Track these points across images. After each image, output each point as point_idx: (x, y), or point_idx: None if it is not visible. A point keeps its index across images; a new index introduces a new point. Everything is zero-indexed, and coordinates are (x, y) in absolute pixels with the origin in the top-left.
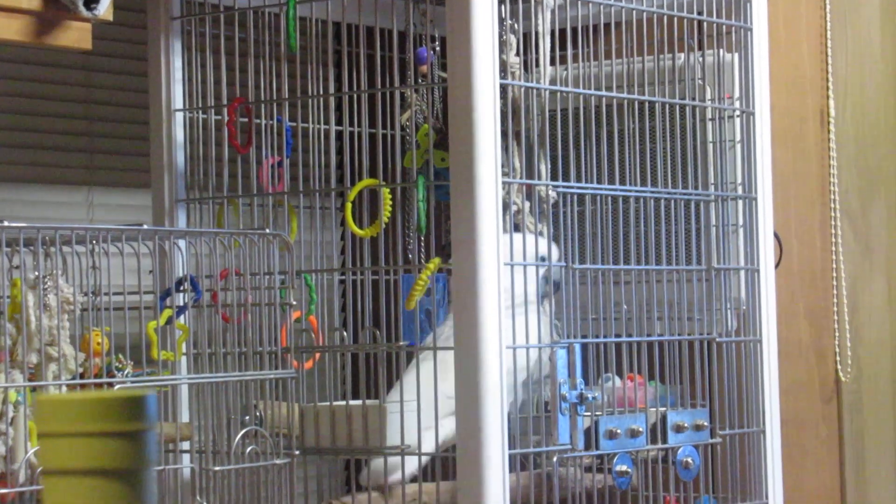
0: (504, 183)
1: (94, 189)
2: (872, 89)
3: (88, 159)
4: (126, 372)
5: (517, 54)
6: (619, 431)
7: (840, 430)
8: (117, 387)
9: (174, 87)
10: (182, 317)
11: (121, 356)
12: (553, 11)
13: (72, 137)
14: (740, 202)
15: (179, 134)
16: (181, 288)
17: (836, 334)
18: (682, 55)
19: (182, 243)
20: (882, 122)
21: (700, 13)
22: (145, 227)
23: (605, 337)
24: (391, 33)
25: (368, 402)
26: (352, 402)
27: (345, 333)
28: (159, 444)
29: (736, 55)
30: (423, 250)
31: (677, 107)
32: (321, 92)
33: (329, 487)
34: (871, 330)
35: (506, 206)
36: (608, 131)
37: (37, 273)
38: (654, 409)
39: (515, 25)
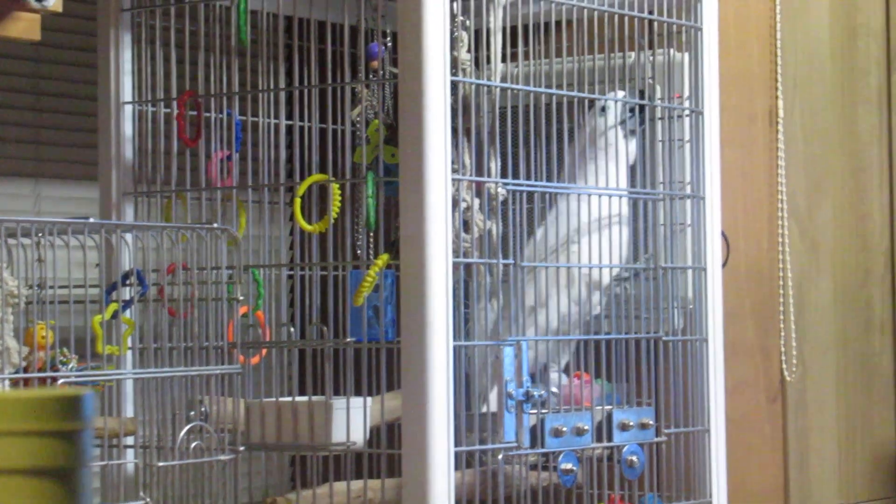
0: (454, 180)
1: (41, 181)
2: (821, 89)
3: (36, 151)
4: (70, 366)
5: (468, 51)
6: (564, 429)
7: (785, 428)
8: (61, 381)
9: (123, 79)
10: (128, 311)
11: (65, 350)
12: (505, 8)
13: (19, 129)
14: (688, 201)
15: (128, 127)
16: (127, 282)
17: (782, 333)
18: (633, 54)
19: (129, 237)
20: (830, 122)
21: (651, 12)
22: (92, 220)
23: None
24: (342, 28)
25: (314, 398)
26: (298, 399)
27: (292, 329)
28: (103, 439)
29: (686, 55)
30: (371, 246)
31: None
32: (271, 86)
33: (274, 484)
34: (816, 329)
35: (455, 203)
36: (559, 129)
37: None
38: (599, 408)
39: (467, 22)
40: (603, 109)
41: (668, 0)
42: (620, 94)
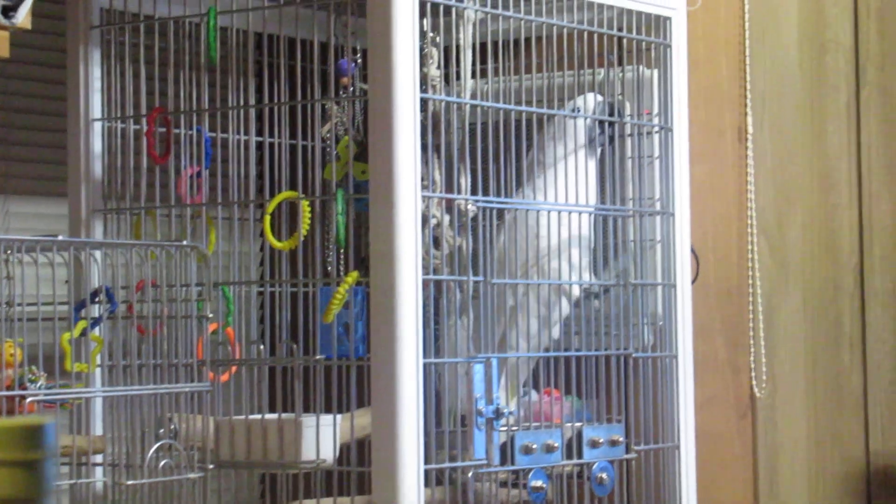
0: (424, 196)
1: (9, 198)
2: (790, 106)
3: (4, 167)
4: (39, 384)
5: (438, 67)
6: (534, 447)
7: (755, 445)
8: (29, 399)
9: (93, 96)
10: (97, 328)
11: (34, 368)
12: (475, 25)
13: None
14: (658, 217)
15: (97, 144)
16: (96, 299)
17: (752, 350)
18: (603, 70)
19: (98, 254)
20: (799, 138)
21: (620, 29)
22: (60, 238)
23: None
24: (312, 44)
25: (284, 415)
26: (267, 416)
27: (261, 346)
28: (72, 457)
29: (655, 71)
30: (342, 263)
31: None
32: (241, 102)
33: (243, 502)
34: (786, 345)
35: (425, 220)
36: (529, 145)
37: None
38: (569, 425)
39: (437, 38)
40: (577, 110)
41: (637, 17)
42: (593, 97)
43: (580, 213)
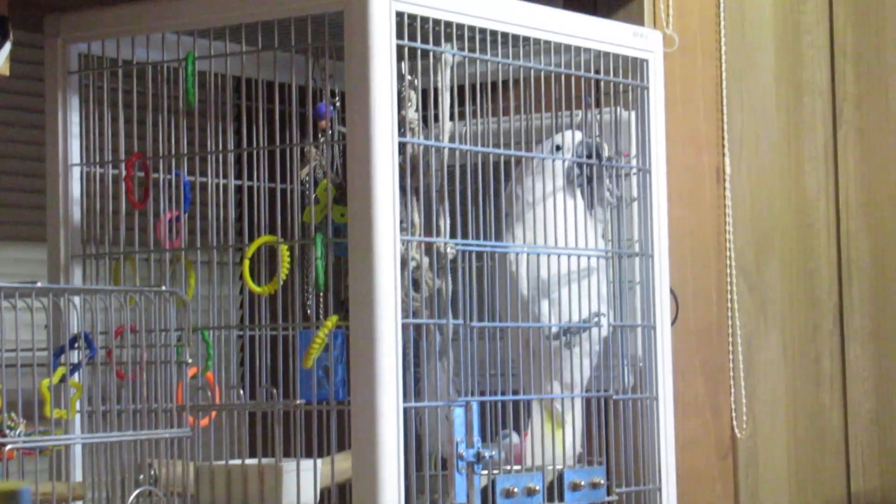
0: (403, 240)
1: None
2: (767, 147)
3: None
4: (18, 431)
5: (416, 110)
6: (515, 490)
7: (736, 486)
8: (9, 447)
9: (71, 141)
10: (76, 374)
11: (13, 414)
12: (453, 68)
13: None
14: (637, 259)
15: (76, 189)
16: (75, 345)
17: (732, 390)
18: (580, 113)
19: (77, 300)
20: (777, 179)
21: (598, 72)
22: (39, 284)
23: (503, 394)
24: (290, 88)
25: (264, 460)
26: (248, 461)
27: (241, 391)
28: None
29: (633, 113)
30: (321, 307)
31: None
32: (220, 146)
33: None
34: (766, 386)
35: (404, 262)
36: (507, 186)
37: None
38: (550, 467)
39: (415, 81)
40: (558, 148)
41: (615, 59)
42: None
43: (568, 255)
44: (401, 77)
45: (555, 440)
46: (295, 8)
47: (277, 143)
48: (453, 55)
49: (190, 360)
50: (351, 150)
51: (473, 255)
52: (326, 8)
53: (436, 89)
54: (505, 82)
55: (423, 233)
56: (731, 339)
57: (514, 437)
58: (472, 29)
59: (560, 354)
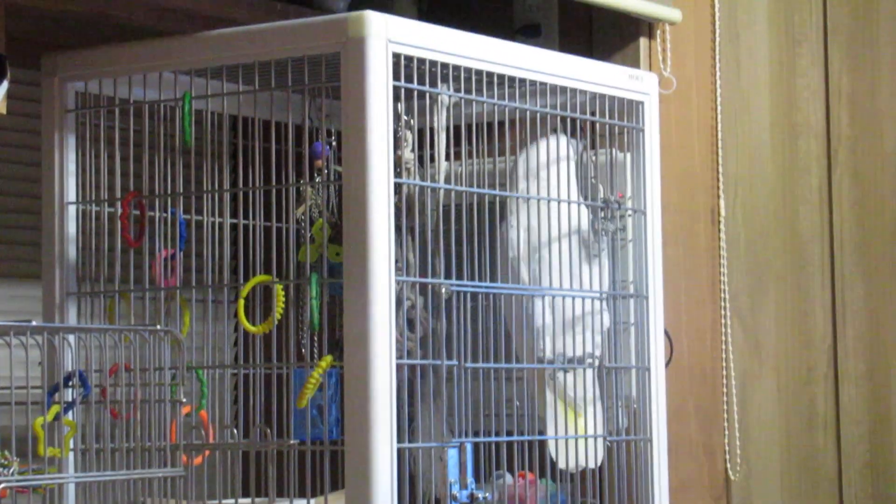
0: (397, 281)
1: None
2: (762, 189)
3: None
4: (12, 469)
5: (412, 150)
6: None
7: None
8: (2, 485)
9: (67, 179)
10: (70, 412)
11: (6, 453)
12: (449, 109)
13: None
14: (631, 300)
15: (72, 227)
16: (70, 383)
17: (726, 432)
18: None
19: (72, 338)
20: (772, 220)
21: (593, 113)
22: (34, 323)
23: (496, 435)
24: (287, 127)
25: (258, 500)
26: (241, 501)
27: (234, 431)
28: None
29: (628, 154)
30: (316, 346)
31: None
32: (216, 185)
33: None
34: (760, 428)
35: (399, 302)
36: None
37: None
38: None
39: (411, 122)
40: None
41: (610, 101)
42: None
43: (563, 297)
44: (397, 117)
45: (577, 429)
46: (292, 49)
47: (273, 181)
48: (449, 96)
49: (184, 399)
50: (346, 190)
51: (468, 296)
52: (324, 49)
53: (432, 129)
54: (500, 123)
55: (418, 273)
56: (725, 381)
57: (508, 479)
58: (468, 70)
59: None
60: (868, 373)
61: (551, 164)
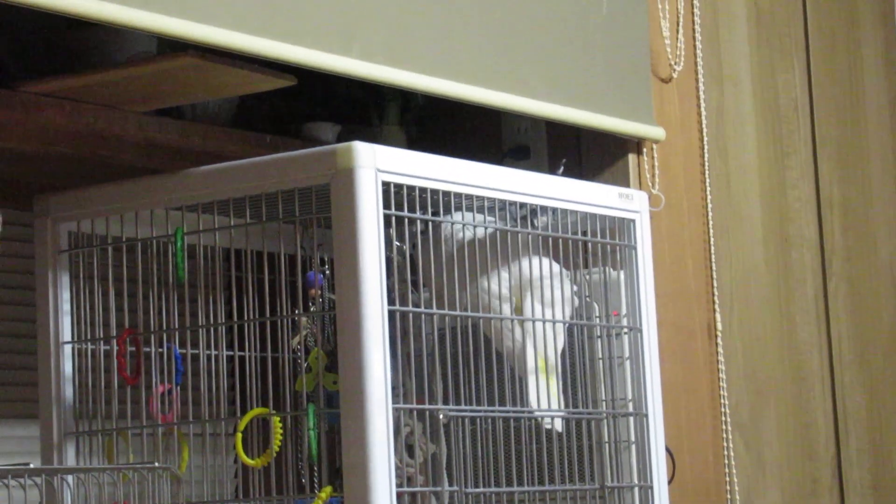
0: (395, 408)
1: None
2: (757, 301)
3: None
4: None
5: (406, 277)
6: None
7: None
8: None
9: (62, 318)
10: None
11: None
12: (441, 233)
13: None
14: (631, 419)
15: (68, 366)
16: None
17: None
18: (570, 273)
19: (70, 479)
20: (769, 333)
21: (585, 233)
22: (32, 465)
23: None
24: (279, 257)
25: None
26: None
27: None
28: None
29: (622, 272)
30: (316, 477)
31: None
32: (211, 319)
33: None
34: None
35: (398, 429)
36: (498, 350)
37: None
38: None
39: (404, 247)
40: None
41: (602, 220)
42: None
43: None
44: (389, 243)
45: (549, 391)
46: (282, 181)
47: (268, 312)
48: (441, 222)
49: None
50: (341, 318)
51: (467, 420)
52: (314, 181)
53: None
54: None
55: (415, 399)
56: (729, 497)
57: None
58: (458, 196)
59: None
60: (873, 483)
61: (544, 279)
